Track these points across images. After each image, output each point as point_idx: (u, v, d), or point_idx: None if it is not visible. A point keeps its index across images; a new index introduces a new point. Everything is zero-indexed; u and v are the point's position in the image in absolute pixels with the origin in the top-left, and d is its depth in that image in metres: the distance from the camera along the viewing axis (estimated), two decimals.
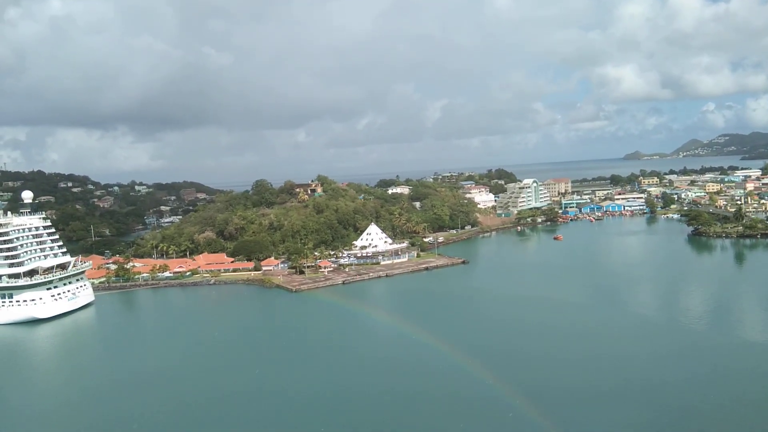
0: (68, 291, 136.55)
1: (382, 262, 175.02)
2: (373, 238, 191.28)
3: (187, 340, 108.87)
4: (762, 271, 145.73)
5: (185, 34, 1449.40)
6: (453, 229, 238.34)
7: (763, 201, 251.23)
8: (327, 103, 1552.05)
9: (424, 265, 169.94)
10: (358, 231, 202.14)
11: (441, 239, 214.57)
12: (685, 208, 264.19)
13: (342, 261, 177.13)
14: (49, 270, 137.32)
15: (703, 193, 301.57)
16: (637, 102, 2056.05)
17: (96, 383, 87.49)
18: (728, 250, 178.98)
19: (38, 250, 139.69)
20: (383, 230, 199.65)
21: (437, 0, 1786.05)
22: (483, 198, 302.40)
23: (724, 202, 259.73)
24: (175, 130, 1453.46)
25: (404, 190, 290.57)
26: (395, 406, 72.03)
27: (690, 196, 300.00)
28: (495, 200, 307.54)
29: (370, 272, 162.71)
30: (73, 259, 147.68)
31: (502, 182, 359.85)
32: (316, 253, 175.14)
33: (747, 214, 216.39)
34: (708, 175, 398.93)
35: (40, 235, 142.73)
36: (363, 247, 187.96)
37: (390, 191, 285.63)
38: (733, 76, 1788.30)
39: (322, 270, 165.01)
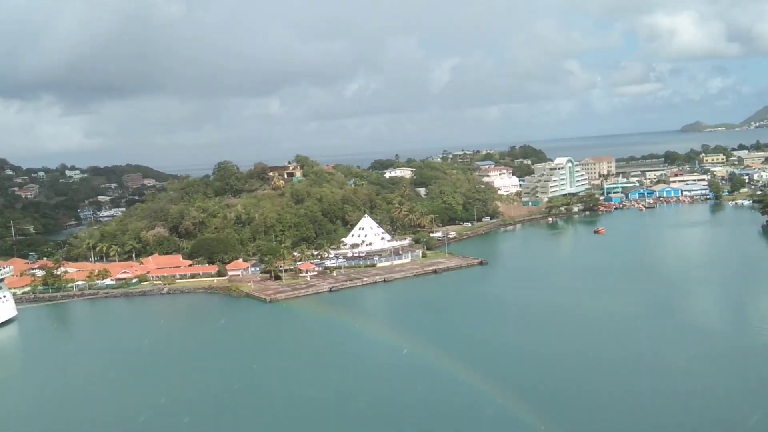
0: None
1: (379, 264, 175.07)
2: (367, 234, 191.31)
3: (130, 365, 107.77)
4: None
5: None
6: (467, 221, 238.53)
7: None
8: (306, 64, 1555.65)
9: (431, 267, 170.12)
10: (348, 225, 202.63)
11: (452, 234, 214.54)
12: (759, 193, 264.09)
13: (328, 263, 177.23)
14: None
15: None
16: (697, 60, 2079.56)
17: (15, 417, 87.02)
18: None
19: None
20: (380, 224, 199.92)
21: None
22: (505, 182, 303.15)
23: None
24: (114, 99, 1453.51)
25: (405, 173, 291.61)
26: None
27: (764, 177, 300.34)
28: (520, 185, 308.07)
29: (363, 277, 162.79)
30: None
31: (529, 162, 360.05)
32: (295, 254, 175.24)
33: None
34: None
35: None
36: (354, 246, 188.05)
37: (388, 175, 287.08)
38: None
39: (304, 275, 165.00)
